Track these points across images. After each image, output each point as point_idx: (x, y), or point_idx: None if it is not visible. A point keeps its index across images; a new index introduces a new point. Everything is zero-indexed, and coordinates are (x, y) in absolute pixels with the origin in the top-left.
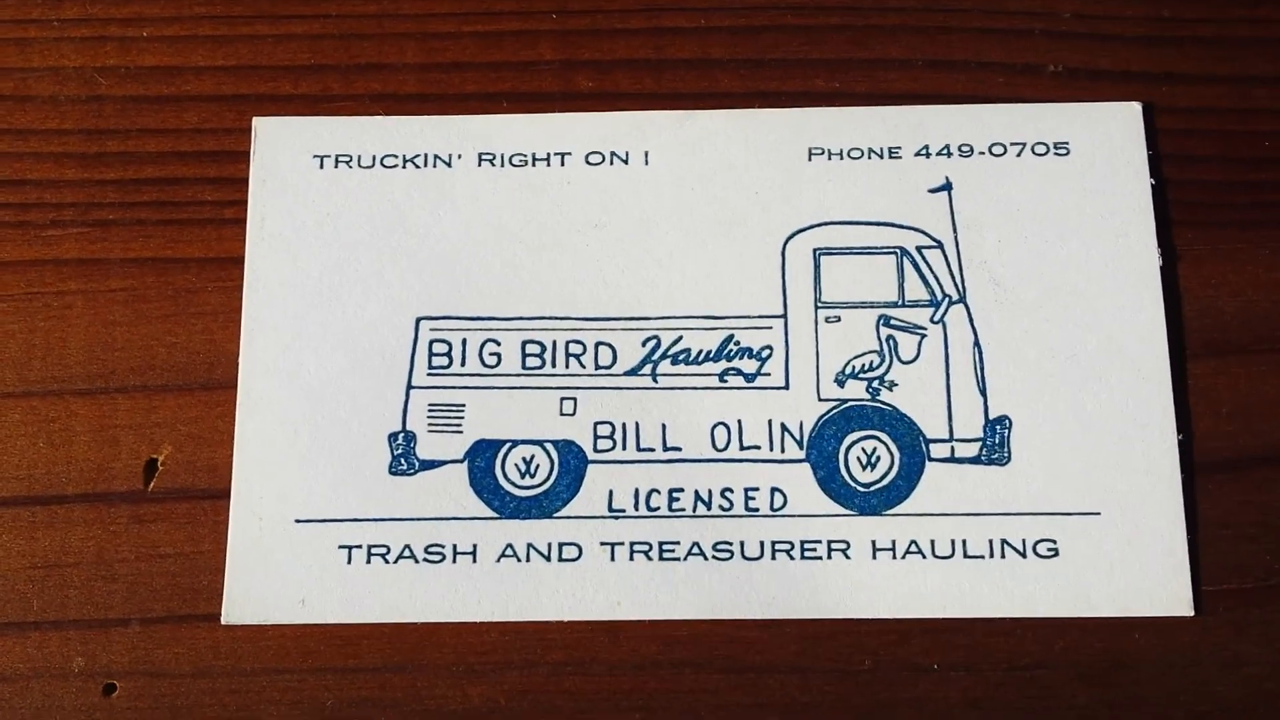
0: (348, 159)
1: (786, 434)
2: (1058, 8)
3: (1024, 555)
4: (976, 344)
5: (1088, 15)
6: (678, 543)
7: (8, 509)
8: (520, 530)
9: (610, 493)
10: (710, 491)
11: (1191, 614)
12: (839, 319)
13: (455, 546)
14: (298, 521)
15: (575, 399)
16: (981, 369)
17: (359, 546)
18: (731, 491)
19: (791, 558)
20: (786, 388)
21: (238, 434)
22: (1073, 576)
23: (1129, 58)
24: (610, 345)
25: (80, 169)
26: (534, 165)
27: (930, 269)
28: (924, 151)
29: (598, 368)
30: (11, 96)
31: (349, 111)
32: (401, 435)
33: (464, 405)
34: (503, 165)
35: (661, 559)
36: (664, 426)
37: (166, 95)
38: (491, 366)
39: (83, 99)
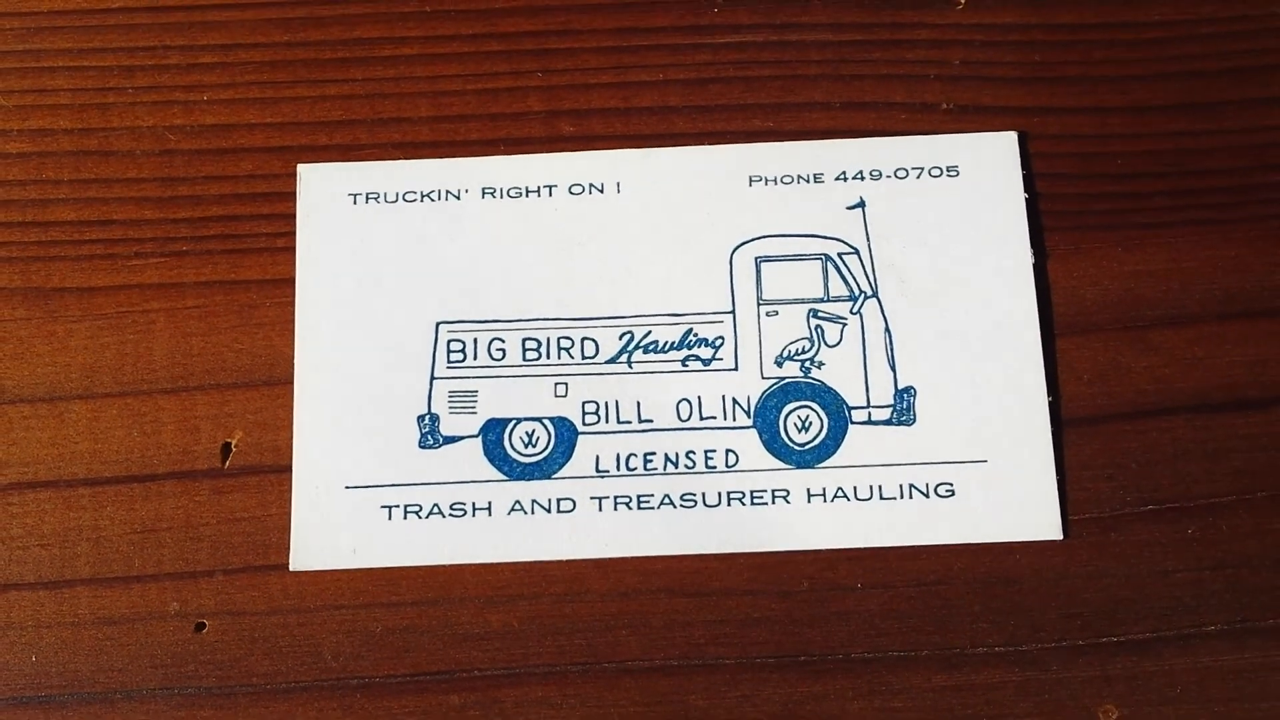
0: (376, 196)
1: (737, 406)
2: (949, 56)
3: (927, 496)
4: (887, 330)
5: (973, 62)
6: (652, 495)
7: (110, 486)
8: (526, 489)
9: (597, 457)
10: (677, 454)
11: (1061, 538)
12: (777, 313)
13: (474, 504)
14: (347, 488)
15: (567, 383)
16: (892, 350)
17: (397, 506)
18: (694, 453)
19: (743, 504)
20: (736, 369)
21: (296, 420)
22: (966, 511)
23: (1008, 95)
24: (594, 340)
25: (157, 210)
26: (527, 197)
27: (849, 271)
28: (842, 177)
29: (584, 358)
30: (97, 152)
31: (375, 157)
32: (428, 417)
33: (477, 391)
34: (501, 198)
35: (640, 508)
36: (638, 403)
37: (225, 148)
38: (498, 360)
39: (156, 152)
